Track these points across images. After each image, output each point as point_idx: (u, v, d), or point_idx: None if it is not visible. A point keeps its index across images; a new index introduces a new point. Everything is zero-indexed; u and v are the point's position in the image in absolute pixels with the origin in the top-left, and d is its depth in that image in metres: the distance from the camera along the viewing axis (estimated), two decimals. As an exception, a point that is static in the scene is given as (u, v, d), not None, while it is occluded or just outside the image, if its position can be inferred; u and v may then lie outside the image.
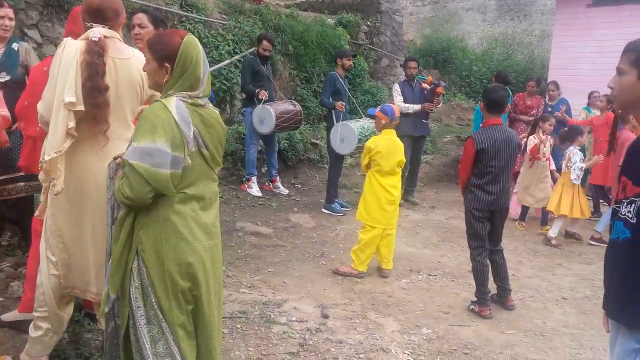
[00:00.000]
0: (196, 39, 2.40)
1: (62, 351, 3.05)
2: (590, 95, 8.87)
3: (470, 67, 14.22)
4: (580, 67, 10.46)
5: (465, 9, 18.42)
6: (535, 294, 4.79)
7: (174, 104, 2.23)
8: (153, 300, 2.26)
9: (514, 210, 6.94)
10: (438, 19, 18.08)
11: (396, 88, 7.38)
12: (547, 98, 8.53)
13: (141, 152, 2.16)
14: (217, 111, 2.47)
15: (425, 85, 7.47)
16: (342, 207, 6.91)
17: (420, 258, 5.55)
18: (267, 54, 7.09)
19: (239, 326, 3.78)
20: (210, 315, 2.42)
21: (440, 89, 7.44)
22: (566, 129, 7.09)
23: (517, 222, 7.05)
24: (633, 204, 2.04)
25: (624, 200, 2.10)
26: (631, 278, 2.07)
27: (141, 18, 3.34)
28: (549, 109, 8.23)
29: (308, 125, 8.90)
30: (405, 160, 5.18)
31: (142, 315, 2.28)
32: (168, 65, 2.29)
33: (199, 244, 2.32)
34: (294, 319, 3.97)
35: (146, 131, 2.17)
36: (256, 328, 3.78)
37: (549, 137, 6.90)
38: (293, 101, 7.45)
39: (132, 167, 2.16)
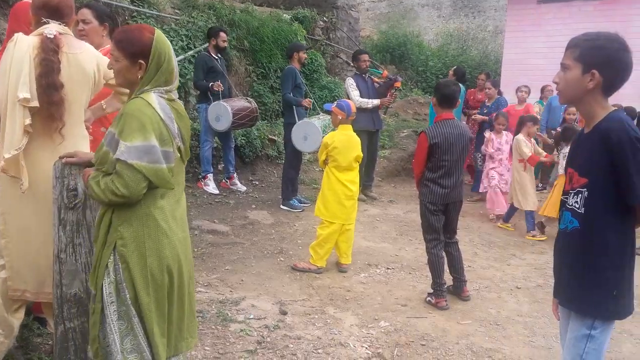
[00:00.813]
0: (164, 34, 2.40)
1: (10, 357, 2.94)
2: (542, 89, 9.10)
3: (427, 62, 14.38)
4: (532, 61, 10.70)
5: (421, 4, 18.64)
6: (490, 284, 4.89)
7: (156, 100, 2.25)
8: (128, 295, 2.26)
9: (498, 208, 7.00)
10: (394, 14, 18.23)
11: (351, 82, 7.26)
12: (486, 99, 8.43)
13: (137, 151, 2.17)
14: (182, 103, 2.50)
15: (376, 79, 7.49)
16: (300, 203, 6.88)
17: (378, 252, 5.58)
18: (225, 44, 7.01)
19: (195, 326, 3.72)
20: (183, 309, 2.45)
21: (398, 84, 7.49)
22: (559, 129, 7.18)
23: (499, 222, 6.88)
24: (580, 195, 2.10)
25: (571, 191, 2.16)
26: (580, 266, 2.14)
27: (85, 14, 3.24)
28: (485, 110, 8.22)
29: (265, 121, 8.84)
30: (362, 155, 5.19)
31: (114, 311, 2.28)
32: (143, 62, 2.27)
33: (176, 238, 2.34)
34: (251, 316, 3.94)
35: (136, 129, 2.17)
36: (213, 327, 3.73)
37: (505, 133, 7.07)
38: (248, 98, 7.39)
39: (130, 166, 2.16)
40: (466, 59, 14.62)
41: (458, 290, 4.52)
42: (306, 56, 7.09)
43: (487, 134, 7.23)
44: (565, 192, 2.22)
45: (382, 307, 4.29)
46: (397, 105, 11.53)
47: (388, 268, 5.15)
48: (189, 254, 2.47)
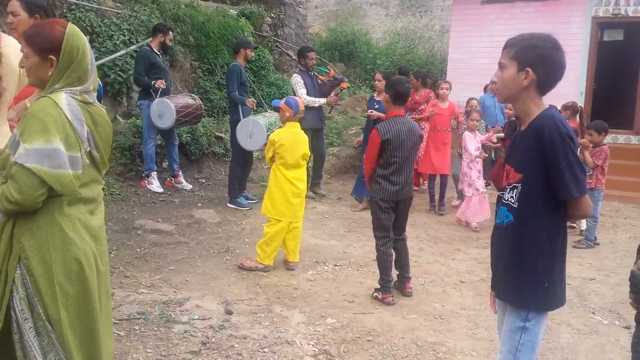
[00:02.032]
0: (78, 28, 2.26)
1: None
2: (485, 88, 9.30)
3: (375, 60, 14.51)
4: (477, 61, 10.93)
5: (369, 3, 18.79)
6: (436, 278, 4.96)
7: (65, 100, 2.10)
8: (40, 310, 2.12)
9: (482, 215, 6.76)
10: (343, 12, 18.31)
11: (298, 80, 7.19)
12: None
13: (37, 154, 2.01)
14: (104, 109, 2.35)
15: (322, 77, 7.48)
16: (248, 200, 6.80)
17: (326, 249, 5.57)
18: (171, 43, 6.88)
19: (137, 328, 3.62)
20: (99, 322, 2.30)
21: (344, 85, 7.52)
22: (499, 125, 7.29)
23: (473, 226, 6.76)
24: (515, 190, 2.16)
25: (507, 187, 2.21)
26: (514, 259, 2.19)
27: (14, 6, 3.12)
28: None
29: (212, 118, 8.69)
30: (309, 153, 5.16)
31: (30, 327, 2.13)
32: (53, 58, 2.14)
33: (88, 248, 2.20)
34: (196, 317, 3.86)
35: (38, 131, 2.02)
36: (155, 329, 3.64)
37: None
38: (193, 95, 7.24)
39: (26, 170, 2.01)
40: (413, 57, 14.82)
41: (401, 285, 4.56)
42: (253, 54, 7.01)
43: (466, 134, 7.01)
44: (501, 188, 2.28)
45: (329, 304, 4.28)
46: (345, 102, 11.59)
47: (336, 265, 5.15)
48: (105, 268, 2.35)
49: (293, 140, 4.90)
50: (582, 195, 2.07)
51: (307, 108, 7.04)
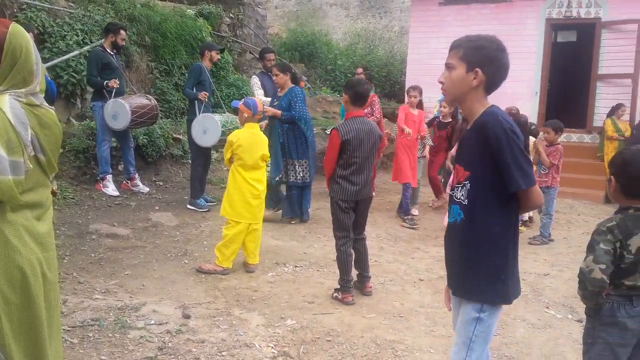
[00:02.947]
0: (22, 28, 2.16)
1: None
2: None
3: (335, 61, 14.54)
4: (435, 62, 11.02)
5: (329, 4, 18.84)
6: (395, 277, 4.99)
7: (7, 102, 2.01)
8: None
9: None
10: (303, 13, 18.32)
11: (256, 81, 7.18)
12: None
13: None
14: (53, 111, 2.26)
15: None
16: (207, 202, 6.72)
17: (287, 250, 5.54)
18: (123, 43, 6.73)
19: (90, 335, 3.52)
20: (45, 331, 2.22)
21: (302, 83, 7.50)
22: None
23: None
24: (464, 188, 2.20)
25: (457, 186, 2.25)
26: (468, 255, 2.23)
27: None
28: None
29: (170, 119, 8.55)
30: (269, 154, 5.12)
31: None
32: None
33: (33, 256, 2.12)
34: (152, 322, 3.77)
35: None
36: (110, 335, 3.54)
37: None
38: (148, 95, 7.12)
39: None
40: (373, 58, 14.91)
41: (361, 285, 4.57)
42: (219, 57, 6.99)
43: None
44: (453, 187, 2.31)
45: (289, 305, 4.26)
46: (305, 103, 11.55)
47: (296, 266, 5.13)
48: (53, 275, 2.27)
49: (252, 141, 4.85)
50: (531, 187, 2.11)
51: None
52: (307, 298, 4.42)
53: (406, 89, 10.17)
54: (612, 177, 2.45)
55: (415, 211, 7.34)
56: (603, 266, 2.29)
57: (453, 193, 2.29)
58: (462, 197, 2.21)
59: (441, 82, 2.26)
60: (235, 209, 4.82)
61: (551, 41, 11.25)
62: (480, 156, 2.14)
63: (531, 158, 6.38)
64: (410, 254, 5.70)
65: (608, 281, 2.31)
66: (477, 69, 2.14)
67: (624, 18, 9.97)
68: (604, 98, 10.30)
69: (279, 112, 6.23)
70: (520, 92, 10.09)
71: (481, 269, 2.20)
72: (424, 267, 5.28)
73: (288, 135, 6.34)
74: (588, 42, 10.78)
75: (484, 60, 2.14)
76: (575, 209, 8.39)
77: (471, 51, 2.15)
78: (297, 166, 6.40)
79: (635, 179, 2.36)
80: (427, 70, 11.25)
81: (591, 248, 2.36)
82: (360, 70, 8.33)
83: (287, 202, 6.60)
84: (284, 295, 4.45)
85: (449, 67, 2.21)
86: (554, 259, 5.84)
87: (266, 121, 6.32)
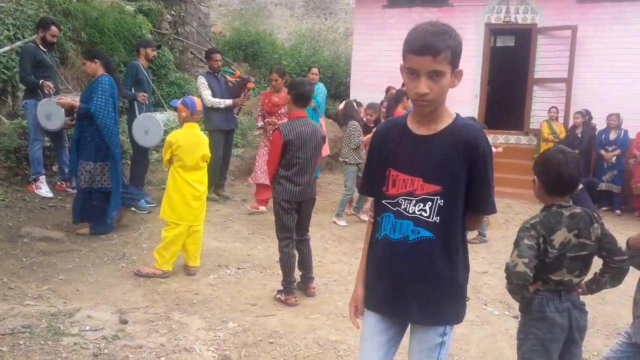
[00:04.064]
0: None
1: None
2: (387, 90, 9.53)
3: (280, 61, 14.47)
4: (379, 63, 11.20)
5: (274, 3, 18.75)
6: (339, 277, 5.00)
7: None
8: None
9: None
10: (247, 12, 18.15)
11: (202, 81, 7.07)
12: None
13: None
14: None
15: (230, 79, 7.37)
16: (147, 204, 6.54)
17: (229, 252, 5.46)
18: (54, 40, 6.44)
19: (21, 342, 3.36)
20: None
21: (250, 84, 7.42)
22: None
23: None
24: (430, 203, 1.95)
25: (410, 198, 1.98)
26: (437, 277, 2.00)
27: None
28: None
29: (108, 118, 8.27)
30: (210, 154, 5.03)
31: None
32: None
33: None
34: (87, 328, 3.64)
35: None
36: (42, 342, 3.39)
37: None
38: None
39: None
40: (318, 59, 14.93)
41: (304, 286, 4.55)
42: (155, 54, 6.81)
43: None
44: (392, 197, 2.02)
45: (231, 308, 4.19)
46: (250, 103, 11.44)
47: (239, 268, 5.06)
48: None
49: (192, 141, 4.75)
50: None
51: (214, 110, 6.95)
52: (250, 300, 4.36)
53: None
54: (535, 177, 2.54)
55: (363, 216, 7.14)
56: (526, 260, 2.37)
57: (395, 204, 2.01)
58: (424, 214, 1.95)
59: (425, 93, 1.85)
60: (176, 210, 4.71)
61: (490, 45, 11.57)
62: (458, 170, 1.93)
63: None
64: (354, 254, 5.72)
65: (531, 274, 2.38)
66: (458, 70, 1.90)
67: (558, 24, 10.37)
68: (540, 101, 10.67)
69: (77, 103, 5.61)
70: (461, 95, 10.33)
71: (450, 291, 2.02)
72: (367, 267, 5.30)
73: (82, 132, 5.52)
74: (525, 46, 11.15)
75: (459, 57, 1.89)
76: (513, 209, 8.67)
77: (457, 50, 1.86)
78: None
79: (555, 178, 2.46)
80: (371, 71, 11.40)
81: (516, 244, 2.45)
82: (315, 70, 8.30)
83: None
84: (226, 297, 4.38)
85: (437, 74, 1.83)
86: (492, 257, 6.00)
87: None
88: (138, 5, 9.90)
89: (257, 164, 7.00)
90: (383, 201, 2.04)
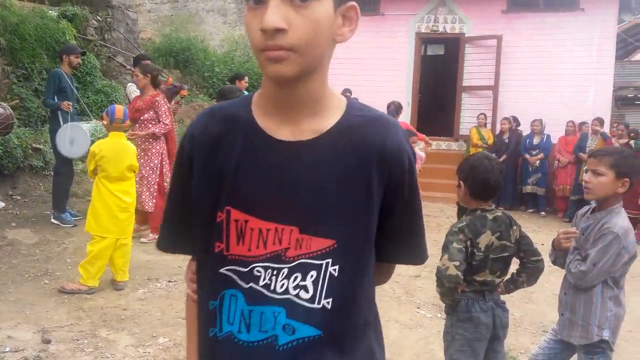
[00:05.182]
0: None
1: None
2: (341, 93, 9.52)
3: (213, 68, 14.30)
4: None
5: (206, 10, 18.50)
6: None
7: None
8: None
9: None
10: (178, 18, 17.81)
11: (133, 89, 6.83)
12: None
13: None
14: None
15: (162, 86, 7.19)
16: (72, 217, 6.28)
17: (160, 265, 5.30)
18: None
19: None
20: None
21: (184, 92, 7.28)
22: None
23: None
24: (313, 273, 1.09)
25: (270, 264, 1.09)
26: None
27: None
28: None
29: (29, 128, 7.86)
30: (137, 165, 4.87)
31: None
32: None
33: None
34: (7, 349, 3.45)
35: None
36: (-46, 369, 3.16)
37: None
38: (2, 103, 6.51)
39: None
40: (252, 65, 14.85)
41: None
42: (79, 61, 6.56)
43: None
44: (238, 261, 1.10)
45: (161, 322, 4.06)
46: (182, 111, 11.22)
47: (170, 281, 4.91)
48: None
49: (116, 151, 4.58)
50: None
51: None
52: (181, 314, 4.23)
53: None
54: (460, 182, 2.60)
55: None
56: (457, 263, 2.43)
57: (250, 279, 1.09)
58: (307, 294, 1.08)
59: (276, 29, 0.97)
60: (101, 223, 4.53)
61: (421, 54, 11.86)
62: (366, 204, 1.12)
63: None
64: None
65: (462, 277, 2.44)
66: (353, 3, 1.13)
67: (485, 34, 10.76)
68: (469, 108, 11.02)
69: None
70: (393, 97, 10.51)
71: None
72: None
73: None
74: (454, 55, 11.49)
75: None
76: (444, 213, 8.87)
77: None
78: None
79: (482, 183, 2.53)
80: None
81: (445, 248, 2.50)
82: (246, 79, 8.28)
83: None
84: (156, 312, 4.24)
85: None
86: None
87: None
88: (61, 11, 9.50)
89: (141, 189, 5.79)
90: (221, 269, 1.11)
